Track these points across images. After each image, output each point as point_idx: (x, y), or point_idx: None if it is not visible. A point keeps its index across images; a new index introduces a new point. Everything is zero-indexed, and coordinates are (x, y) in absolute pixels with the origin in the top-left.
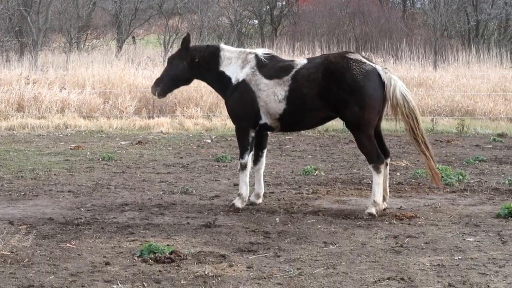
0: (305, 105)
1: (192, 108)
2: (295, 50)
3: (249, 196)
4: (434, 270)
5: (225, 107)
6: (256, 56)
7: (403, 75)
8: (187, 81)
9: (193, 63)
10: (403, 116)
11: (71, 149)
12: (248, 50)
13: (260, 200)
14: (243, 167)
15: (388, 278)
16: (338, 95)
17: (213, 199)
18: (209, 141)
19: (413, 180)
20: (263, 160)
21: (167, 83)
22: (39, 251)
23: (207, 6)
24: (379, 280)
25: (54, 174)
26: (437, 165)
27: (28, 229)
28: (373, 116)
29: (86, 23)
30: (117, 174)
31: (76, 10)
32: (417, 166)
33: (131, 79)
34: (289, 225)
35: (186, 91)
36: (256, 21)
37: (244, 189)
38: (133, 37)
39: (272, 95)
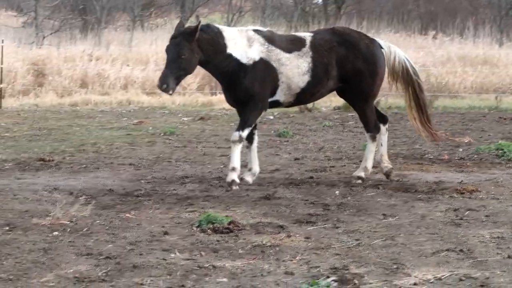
0: (326, 75)
1: None
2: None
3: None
4: (494, 242)
5: None
6: (257, 31)
7: (468, 53)
8: (193, 69)
9: (199, 47)
10: (403, 82)
11: (133, 124)
12: (242, 28)
13: (254, 178)
14: (241, 140)
15: (447, 250)
16: (354, 64)
17: (273, 173)
18: (271, 117)
19: (475, 156)
20: (256, 137)
21: (176, 77)
22: (98, 221)
23: None
24: (437, 252)
25: (116, 148)
26: (500, 141)
27: (87, 199)
28: (379, 88)
29: (149, 1)
30: (178, 148)
31: None
32: (480, 143)
33: None
34: (349, 197)
35: None
36: (320, 0)
37: (236, 162)
38: (197, 16)
39: (295, 69)
